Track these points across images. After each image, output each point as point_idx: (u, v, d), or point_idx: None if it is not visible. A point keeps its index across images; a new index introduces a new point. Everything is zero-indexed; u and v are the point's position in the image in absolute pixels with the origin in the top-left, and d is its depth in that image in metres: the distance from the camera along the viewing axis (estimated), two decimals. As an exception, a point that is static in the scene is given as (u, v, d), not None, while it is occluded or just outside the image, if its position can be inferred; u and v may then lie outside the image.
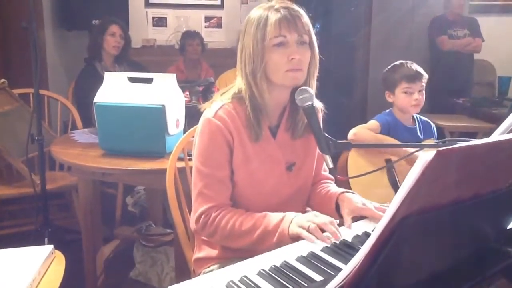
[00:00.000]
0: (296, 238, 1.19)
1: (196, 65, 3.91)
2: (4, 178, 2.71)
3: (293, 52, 1.25)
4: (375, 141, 2.09)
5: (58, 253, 1.37)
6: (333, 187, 1.46)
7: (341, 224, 1.28)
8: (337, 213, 1.36)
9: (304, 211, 1.43)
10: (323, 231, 1.18)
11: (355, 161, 2.09)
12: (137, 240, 2.54)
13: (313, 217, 1.21)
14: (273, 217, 1.25)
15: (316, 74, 1.34)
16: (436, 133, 2.27)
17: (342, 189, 1.42)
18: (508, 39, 4.28)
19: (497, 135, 0.98)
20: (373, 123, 2.18)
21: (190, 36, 3.88)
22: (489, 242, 0.93)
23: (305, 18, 1.28)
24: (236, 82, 1.36)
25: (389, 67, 2.18)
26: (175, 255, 2.02)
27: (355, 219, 1.30)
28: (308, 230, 1.17)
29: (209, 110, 1.33)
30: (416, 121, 2.24)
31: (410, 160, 1.99)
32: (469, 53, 4.15)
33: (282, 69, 1.26)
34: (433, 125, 2.28)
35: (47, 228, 2.36)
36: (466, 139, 1.18)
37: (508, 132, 1.01)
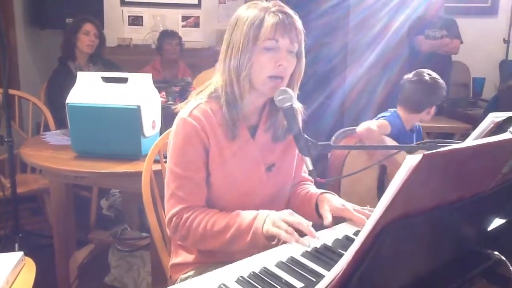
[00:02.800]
0: (271, 237, 1.16)
1: (173, 65, 3.87)
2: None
3: (282, 59, 1.23)
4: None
5: (29, 260, 1.33)
6: (312, 188, 1.45)
7: (320, 226, 1.26)
8: (317, 213, 1.35)
9: None
10: (298, 231, 1.16)
11: (355, 158, 2.02)
12: (112, 245, 2.49)
13: (288, 216, 1.19)
14: (246, 216, 1.22)
15: (298, 84, 1.33)
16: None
17: (321, 190, 1.41)
18: (482, 40, 4.35)
19: (472, 139, 0.98)
20: (383, 123, 2.08)
21: (168, 36, 3.83)
22: (470, 244, 0.93)
23: (300, 26, 1.26)
24: (212, 80, 1.32)
25: (433, 81, 2.14)
26: (152, 260, 1.98)
27: (334, 221, 1.29)
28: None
29: (184, 109, 1.30)
30: (414, 127, 2.24)
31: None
32: (446, 54, 4.19)
33: (266, 73, 1.24)
34: (422, 131, 2.29)
35: (18, 233, 2.31)
36: (446, 140, 1.18)
37: (483, 137, 1.01)
